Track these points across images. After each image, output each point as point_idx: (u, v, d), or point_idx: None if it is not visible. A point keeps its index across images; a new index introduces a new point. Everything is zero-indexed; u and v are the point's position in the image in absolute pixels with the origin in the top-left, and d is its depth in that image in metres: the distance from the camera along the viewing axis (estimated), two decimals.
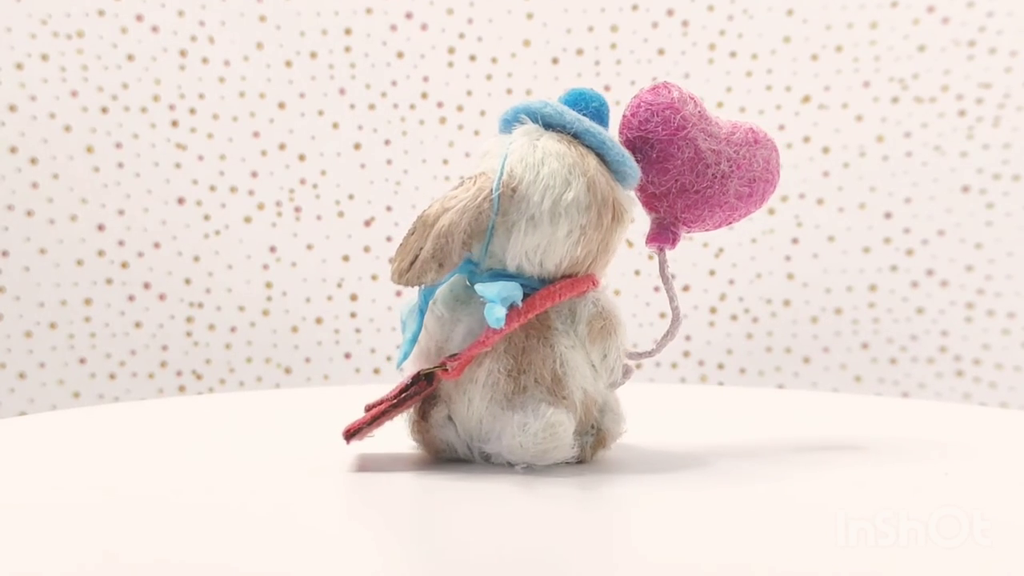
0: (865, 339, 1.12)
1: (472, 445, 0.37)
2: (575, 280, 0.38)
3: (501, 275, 0.37)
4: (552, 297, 0.37)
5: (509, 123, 0.39)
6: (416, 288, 0.37)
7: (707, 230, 0.43)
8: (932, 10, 1.07)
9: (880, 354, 1.11)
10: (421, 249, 0.35)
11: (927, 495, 0.33)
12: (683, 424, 0.56)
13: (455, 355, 0.36)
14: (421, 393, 0.37)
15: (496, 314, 0.34)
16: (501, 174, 0.36)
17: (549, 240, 0.36)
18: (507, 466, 0.37)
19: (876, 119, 1.10)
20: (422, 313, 0.37)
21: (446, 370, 0.36)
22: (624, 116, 0.40)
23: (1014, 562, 0.25)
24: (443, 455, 0.38)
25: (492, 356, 0.36)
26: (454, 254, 0.35)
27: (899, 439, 0.49)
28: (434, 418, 0.37)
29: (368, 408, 0.38)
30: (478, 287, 0.36)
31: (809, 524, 0.29)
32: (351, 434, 0.36)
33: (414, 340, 0.37)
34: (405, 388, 0.37)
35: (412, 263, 0.35)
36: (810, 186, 1.12)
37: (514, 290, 0.35)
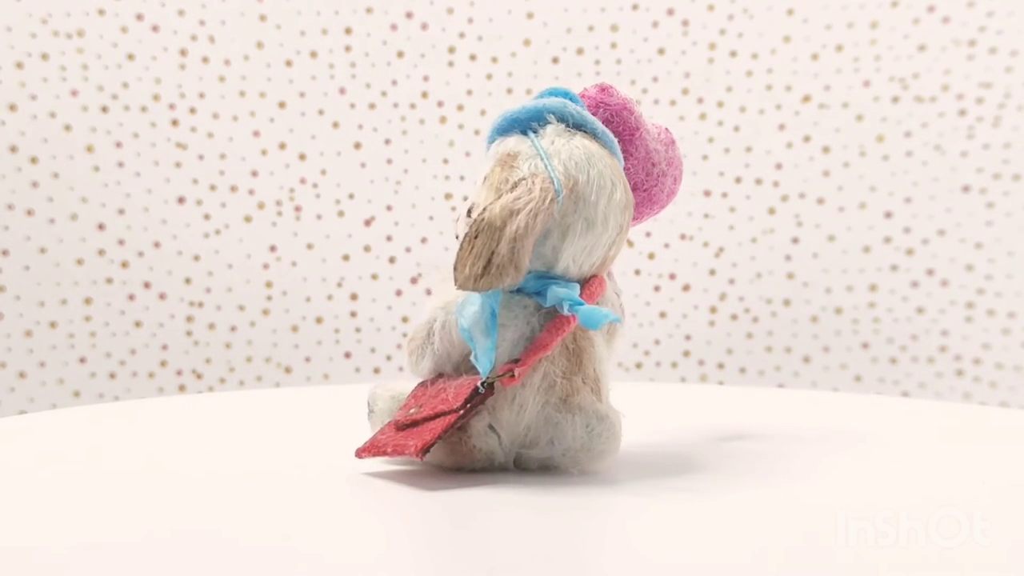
0: (865, 339, 1.12)
1: (511, 452, 0.36)
2: (599, 280, 0.38)
3: (542, 277, 0.36)
4: (592, 297, 0.37)
5: (521, 122, 0.38)
6: (458, 297, 0.37)
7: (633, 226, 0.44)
8: (932, 10, 1.06)
9: (880, 354, 1.11)
10: (493, 253, 0.34)
11: (927, 495, 0.33)
12: (683, 424, 0.55)
13: (516, 360, 0.35)
14: (485, 401, 0.35)
15: (609, 316, 0.33)
16: (554, 174, 0.36)
17: (596, 241, 0.36)
18: (539, 471, 0.36)
19: (876, 119, 1.10)
20: (495, 318, 0.35)
21: (512, 376, 0.34)
22: None
23: (1014, 562, 0.25)
24: (475, 465, 0.36)
25: (548, 359, 0.35)
26: (527, 257, 0.34)
27: (899, 438, 0.49)
28: (475, 428, 0.35)
29: (404, 424, 0.36)
30: (556, 291, 0.35)
31: (809, 524, 0.29)
32: (426, 450, 0.33)
33: (494, 347, 0.35)
34: (470, 397, 0.35)
35: (486, 267, 0.34)
36: (810, 186, 1.12)
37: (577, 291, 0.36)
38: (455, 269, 0.34)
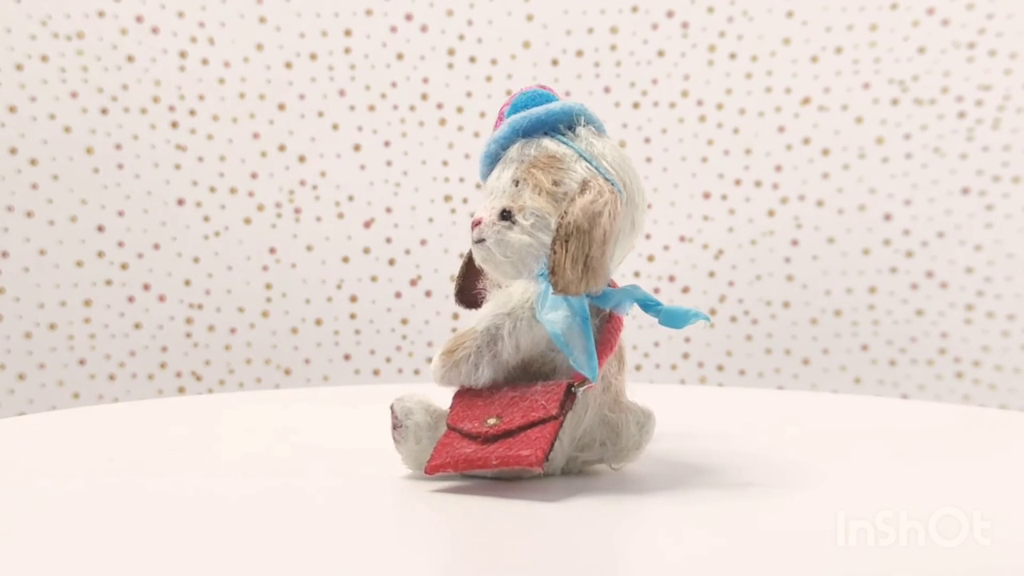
0: (865, 341, 1.12)
1: (566, 456, 0.36)
2: (613, 283, 0.38)
3: None
4: None
5: (547, 124, 0.37)
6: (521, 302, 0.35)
7: None
8: (932, 12, 1.07)
9: (880, 356, 1.11)
10: (587, 256, 0.33)
11: (927, 495, 0.33)
12: (682, 426, 0.55)
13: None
14: (574, 405, 0.34)
15: (699, 315, 0.34)
16: (612, 177, 0.36)
17: (631, 241, 0.37)
18: (575, 473, 0.36)
19: (876, 121, 1.10)
20: (587, 321, 0.34)
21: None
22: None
23: (1014, 562, 0.25)
24: (531, 472, 0.35)
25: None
26: (609, 257, 0.34)
27: (898, 440, 0.49)
28: None
29: (493, 436, 0.33)
30: (630, 291, 0.35)
31: (809, 524, 0.29)
32: (544, 458, 0.32)
33: (595, 349, 0.34)
34: (563, 401, 0.33)
35: (584, 270, 0.33)
36: (810, 188, 1.12)
37: None
38: (553, 273, 0.33)
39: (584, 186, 0.35)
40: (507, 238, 0.36)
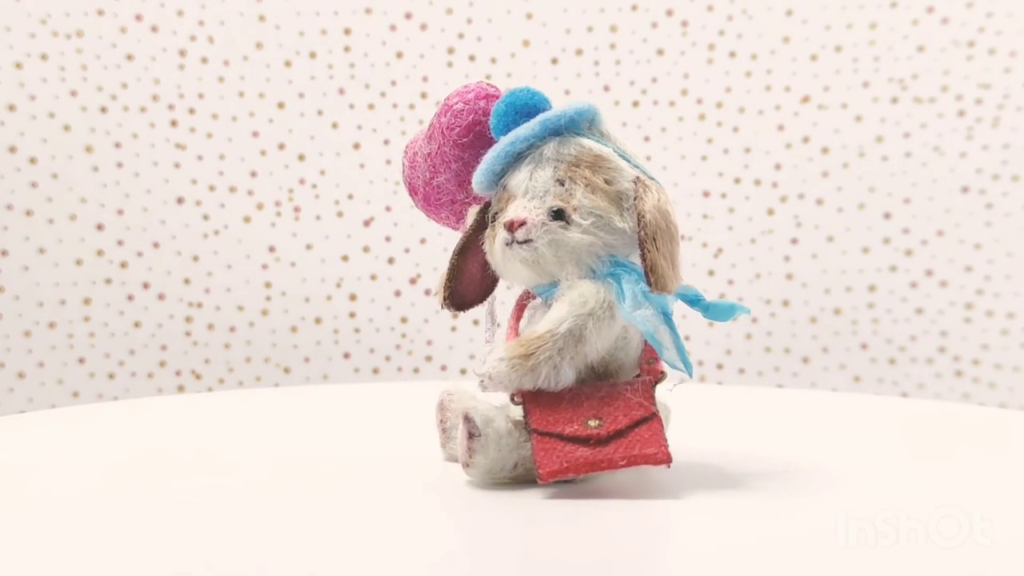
0: (864, 339, 1.12)
1: None
2: None
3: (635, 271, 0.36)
4: None
5: (576, 123, 0.37)
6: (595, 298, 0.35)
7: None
8: (931, 10, 1.07)
9: (879, 354, 1.11)
10: (671, 253, 0.34)
11: (927, 495, 0.33)
12: (681, 424, 0.55)
13: (651, 360, 0.36)
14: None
15: (743, 308, 0.35)
16: (654, 176, 0.36)
17: None
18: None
19: (875, 119, 1.10)
20: (670, 318, 0.34)
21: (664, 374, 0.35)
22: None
23: (1014, 562, 0.25)
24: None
25: None
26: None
27: (898, 439, 0.49)
28: None
29: (604, 438, 0.32)
30: (691, 290, 0.35)
31: (809, 524, 0.29)
32: (669, 456, 0.32)
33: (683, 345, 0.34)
34: (654, 399, 0.34)
35: (674, 267, 0.34)
36: (809, 186, 1.12)
37: None
38: (653, 272, 0.34)
39: (643, 185, 0.35)
40: (563, 238, 0.35)
